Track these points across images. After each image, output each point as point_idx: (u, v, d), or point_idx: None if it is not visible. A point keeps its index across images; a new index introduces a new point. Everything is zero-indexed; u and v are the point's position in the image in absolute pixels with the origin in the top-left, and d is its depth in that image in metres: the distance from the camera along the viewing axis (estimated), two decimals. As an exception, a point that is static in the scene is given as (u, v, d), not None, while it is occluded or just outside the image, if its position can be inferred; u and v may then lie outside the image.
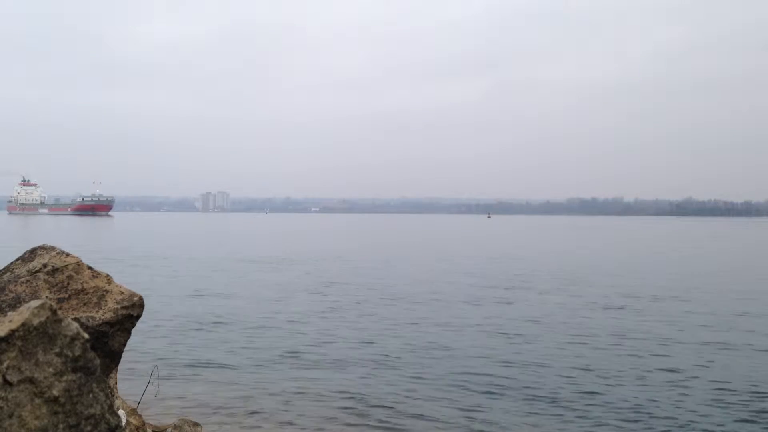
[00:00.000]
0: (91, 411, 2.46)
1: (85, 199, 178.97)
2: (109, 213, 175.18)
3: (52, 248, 5.01)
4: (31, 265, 4.83)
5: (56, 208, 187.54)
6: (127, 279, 21.58)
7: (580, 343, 12.96)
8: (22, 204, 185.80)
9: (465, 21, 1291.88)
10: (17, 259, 4.96)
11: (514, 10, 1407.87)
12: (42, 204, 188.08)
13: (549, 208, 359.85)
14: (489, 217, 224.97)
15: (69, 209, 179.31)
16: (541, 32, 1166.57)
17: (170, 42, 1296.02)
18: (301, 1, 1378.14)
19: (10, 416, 2.23)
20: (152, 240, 57.12)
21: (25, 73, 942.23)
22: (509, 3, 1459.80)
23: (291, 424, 8.10)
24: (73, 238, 58.38)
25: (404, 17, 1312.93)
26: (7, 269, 4.88)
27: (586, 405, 8.94)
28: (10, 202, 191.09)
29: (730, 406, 8.87)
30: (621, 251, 46.68)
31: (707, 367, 11.07)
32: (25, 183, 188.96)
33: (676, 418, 8.37)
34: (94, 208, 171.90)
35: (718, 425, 8.12)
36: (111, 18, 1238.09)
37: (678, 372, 10.72)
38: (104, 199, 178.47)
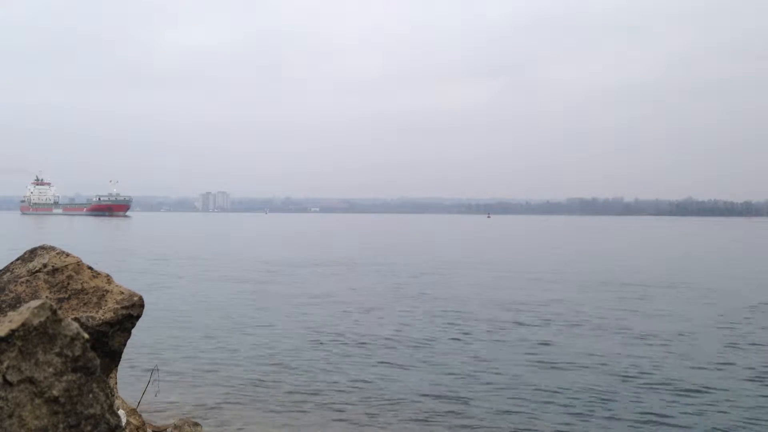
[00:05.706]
0: (91, 411, 2.46)
1: (101, 198, 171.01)
2: (127, 213, 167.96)
3: (52, 248, 5.00)
4: (31, 265, 4.83)
5: (71, 208, 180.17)
6: (146, 279, 21.70)
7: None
8: (36, 204, 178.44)
9: (466, 27, 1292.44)
10: (17, 259, 4.96)
11: (514, 14, 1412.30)
12: (56, 204, 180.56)
13: (549, 208, 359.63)
14: (489, 217, 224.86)
15: (84, 209, 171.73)
16: (543, 37, 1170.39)
17: (184, 49, 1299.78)
18: (307, 8, 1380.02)
19: (10, 416, 2.23)
20: (177, 241, 55.37)
21: (28, 75, 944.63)
22: (509, 8, 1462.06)
23: (292, 425, 8.09)
24: (101, 239, 56.94)
25: (404, 22, 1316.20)
26: (7, 269, 4.88)
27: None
28: (23, 201, 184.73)
29: None
30: (704, 252, 44.77)
31: None
32: (38, 182, 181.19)
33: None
34: (111, 208, 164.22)
35: None
36: (131, 24, 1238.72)
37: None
38: (121, 198, 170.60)
